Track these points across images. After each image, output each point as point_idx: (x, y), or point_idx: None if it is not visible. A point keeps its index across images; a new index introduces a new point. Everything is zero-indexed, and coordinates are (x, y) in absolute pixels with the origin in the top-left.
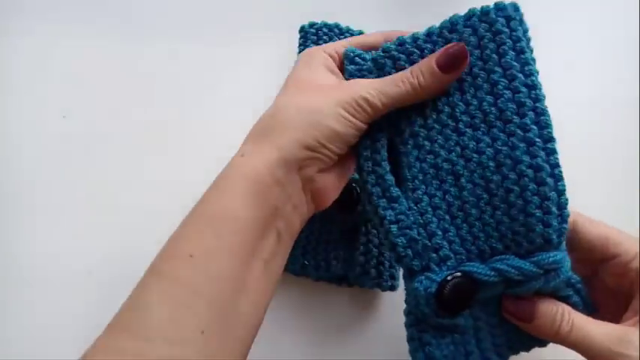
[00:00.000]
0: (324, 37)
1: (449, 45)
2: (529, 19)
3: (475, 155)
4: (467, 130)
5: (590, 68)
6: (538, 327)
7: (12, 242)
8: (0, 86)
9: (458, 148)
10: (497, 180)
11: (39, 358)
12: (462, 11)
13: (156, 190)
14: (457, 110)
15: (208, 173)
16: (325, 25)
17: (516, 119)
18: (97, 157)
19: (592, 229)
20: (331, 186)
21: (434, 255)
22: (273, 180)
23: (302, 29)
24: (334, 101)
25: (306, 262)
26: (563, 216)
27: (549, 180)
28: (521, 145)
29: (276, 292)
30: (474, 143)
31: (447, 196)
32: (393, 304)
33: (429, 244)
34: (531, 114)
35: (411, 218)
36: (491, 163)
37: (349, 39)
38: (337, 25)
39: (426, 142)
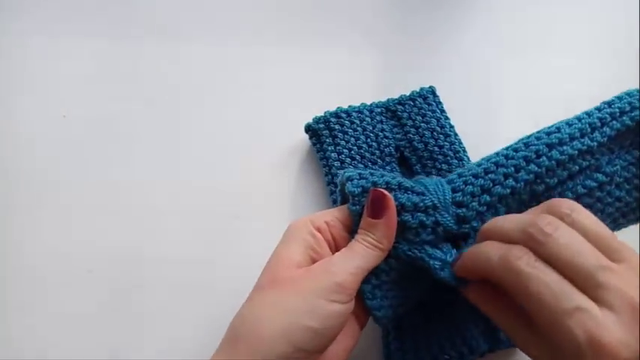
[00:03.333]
0: (336, 127)
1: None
2: (529, 19)
3: None
4: None
5: (590, 68)
6: None
7: (12, 241)
8: (0, 86)
9: None
10: None
11: (39, 357)
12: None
13: (156, 189)
14: None
15: (208, 173)
16: (330, 115)
17: None
18: (97, 156)
19: None
20: None
21: None
22: None
23: (308, 127)
24: (307, 294)
25: (447, 356)
26: None
27: None
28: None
29: None
30: None
31: None
32: None
33: None
34: None
35: None
36: None
37: (337, 210)
38: (341, 110)
39: None
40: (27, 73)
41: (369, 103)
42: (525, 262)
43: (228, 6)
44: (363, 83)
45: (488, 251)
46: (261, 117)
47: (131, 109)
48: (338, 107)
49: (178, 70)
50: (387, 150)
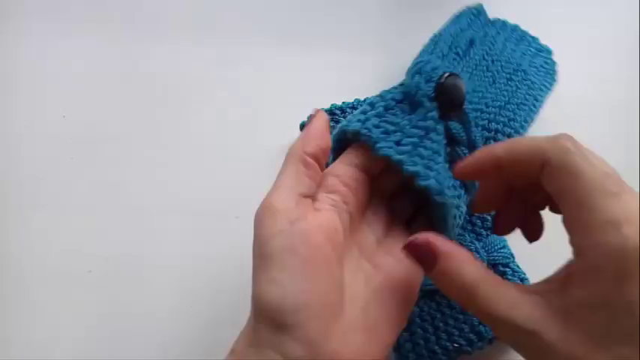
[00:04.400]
0: (331, 124)
1: None
2: (530, 18)
3: None
4: None
5: (590, 68)
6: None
7: (11, 241)
8: (0, 86)
9: None
10: None
11: (39, 358)
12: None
13: (156, 190)
14: None
15: (209, 173)
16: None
17: None
18: (97, 156)
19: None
20: None
21: None
22: None
23: (303, 126)
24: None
25: (456, 345)
26: None
27: None
28: None
29: None
30: None
31: None
32: None
33: None
34: None
35: None
36: None
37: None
38: (335, 107)
39: None
40: (26, 73)
41: (362, 99)
42: (577, 143)
43: (227, 6)
44: (363, 83)
45: (533, 139)
46: (261, 117)
47: (130, 109)
48: (332, 104)
49: (178, 70)
50: None
